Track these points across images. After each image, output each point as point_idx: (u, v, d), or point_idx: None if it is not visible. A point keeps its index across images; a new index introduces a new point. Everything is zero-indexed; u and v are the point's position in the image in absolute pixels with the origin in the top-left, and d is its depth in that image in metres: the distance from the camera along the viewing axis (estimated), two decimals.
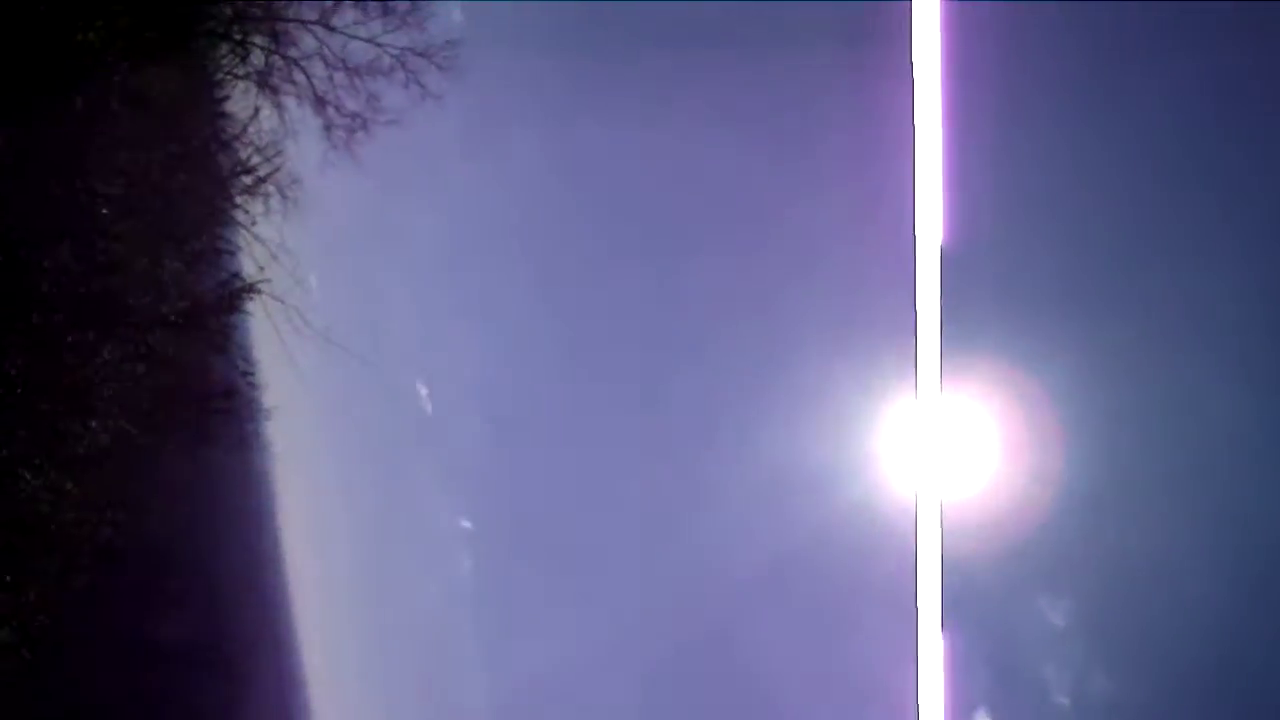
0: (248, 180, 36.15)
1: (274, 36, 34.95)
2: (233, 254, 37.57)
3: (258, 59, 34.87)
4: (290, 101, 35.27)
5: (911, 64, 26.33)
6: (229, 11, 34.56)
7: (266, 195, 36.22)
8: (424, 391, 64.83)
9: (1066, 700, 52.17)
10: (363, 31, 35.28)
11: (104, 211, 28.23)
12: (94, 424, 30.31)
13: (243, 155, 35.53)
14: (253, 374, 41.35)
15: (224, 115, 34.86)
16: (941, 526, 26.60)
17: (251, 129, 35.15)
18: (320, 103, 35.24)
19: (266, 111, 35.15)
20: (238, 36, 34.72)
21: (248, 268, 37.20)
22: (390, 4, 35.27)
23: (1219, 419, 41.22)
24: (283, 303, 36.63)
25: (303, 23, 34.90)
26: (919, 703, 27.80)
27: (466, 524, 70.76)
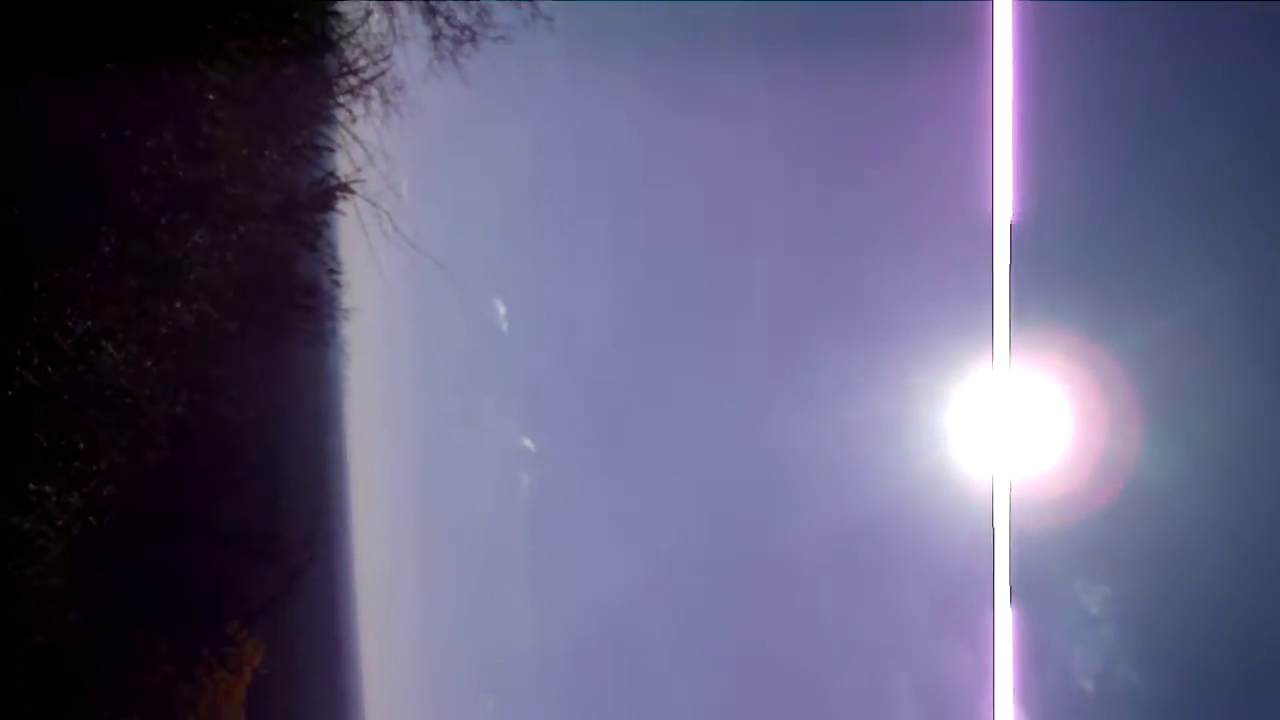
0: (353, 80, 36.19)
1: None
2: (331, 152, 37.76)
3: None
4: (402, 7, 35.18)
5: (989, 53, 26.07)
6: None
7: (369, 98, 36.25)
8: (502, 310, 65.18)
9: (1090, 685, 52.17)
10: None
11: (209, 98, 28.48)
12: (179, 305, 30.84)
13: (350, 56, 35.56)
14: (338, 272, 41.73)
15: (335, 14, 34.88)
16: (1010, 505, 26.37)
17: (361, 31, 35.13)
18: (431, 11, 35.10)
19: (377, 15, 35.10)
20: None
21: (344, 167, 37.37)
22: None
23: None
24: (375, 205, 36.79)
25: None
26: (992, 682, 27.94)
27: (529, 444, 71.41)
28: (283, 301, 39.68)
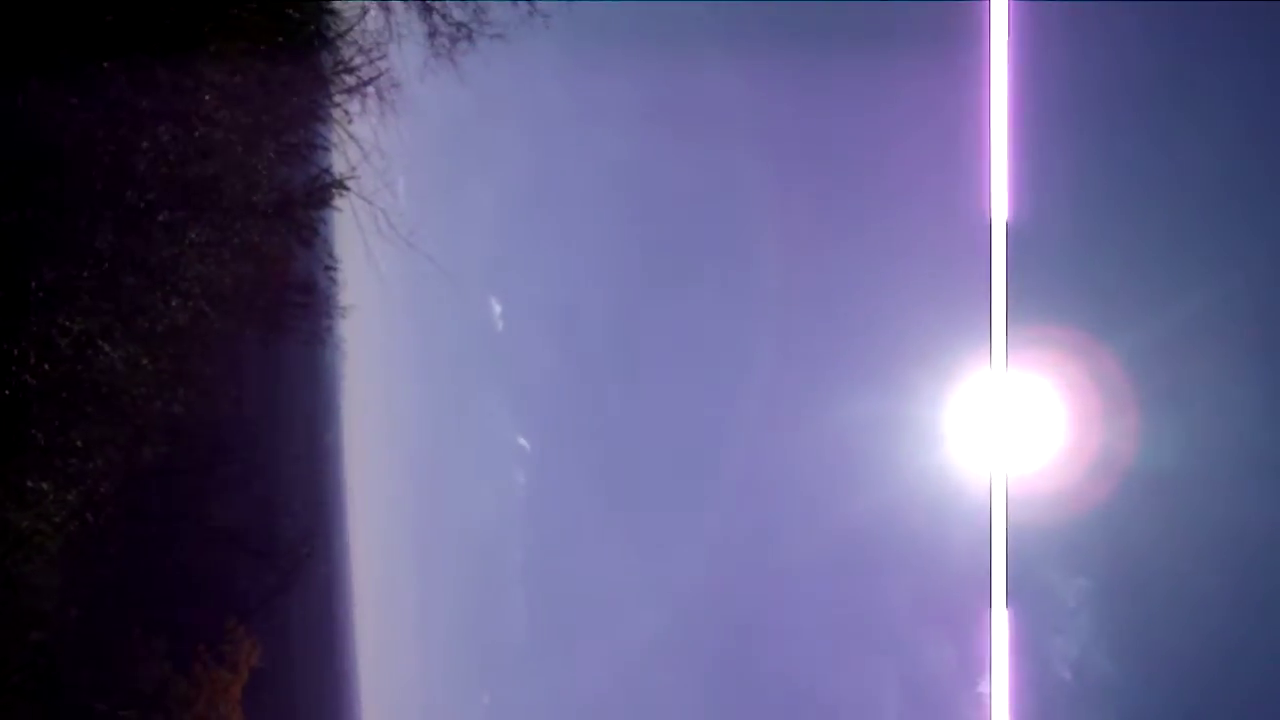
0: (349, 78, 36.18)
1: None
2: (327, 150, 37.71)
3: None
4: (398, 5, 35.19)
5: (985, 53, 26.26)
6: None
7: (365, 95, 36.23)
8: (497, 309, 65.32)
9: (1068, 673, 52.65)
10: None
11: (205, 97, 28.51)
12: (174, 303, 30.86)
13: (346, 54, 35.56)
14: (335, 269, 41.74)
15: (331, 12, 34.90)
16: (1007, 502, 26.47)
17: (357, 29, 35.14)
18: (427, 9, 35.14)
19: (373, 13, 35.12)
20: None
21: (340, 165, 37.34)
22: None
23: None
24: (370, 204, 36.73)
25: None
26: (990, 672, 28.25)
27: (524, 442, 71.56)
28: (279, 299, 39.74)
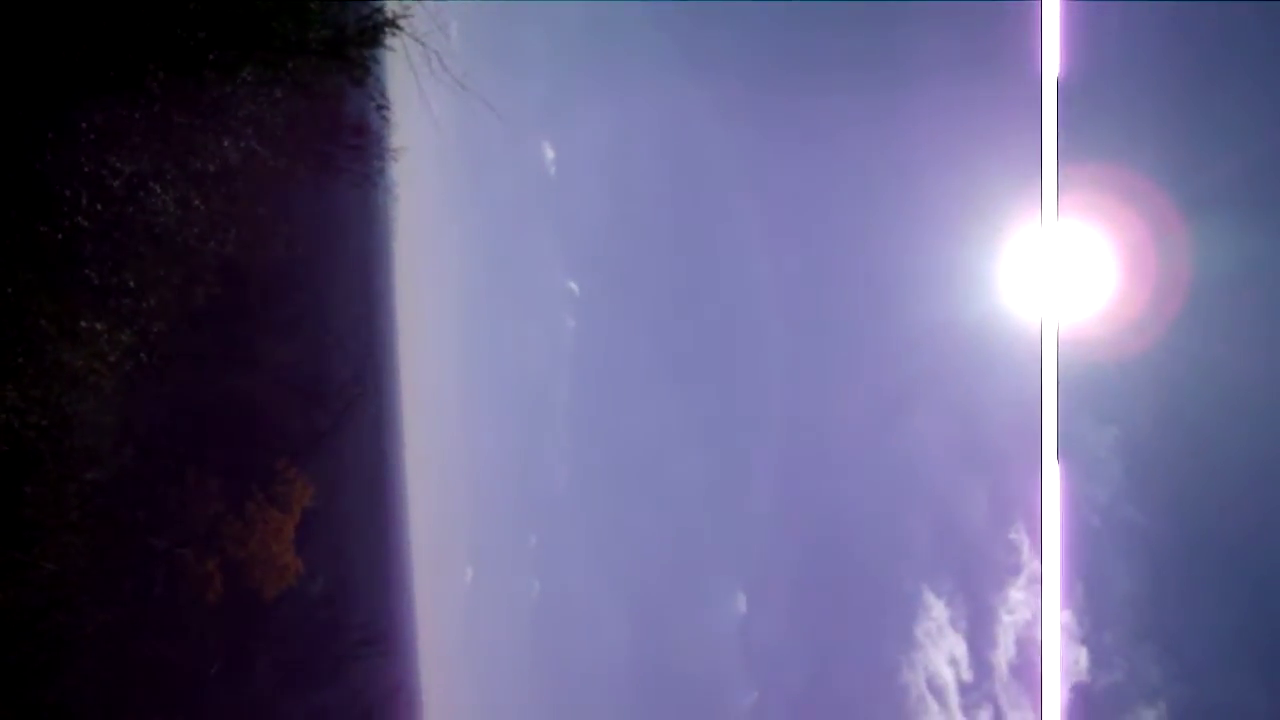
0: None
1: None
2: None
3: None
4: None
5: None
6: None
7: None
8: (550, 154, 64.73)
9: (1098, 520, 53.27)
10: None
11: None
12: (226, 142, 30.65)
13: None
14: (387, 108, 41.32)
15: None
16: (1058, 347, 26.39)
17: None
18: None
19: None
20: None
21: (391, 5, 36.59)
22: None
23: None
24: (423, 44, 36.00)
25: None
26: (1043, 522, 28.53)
27: (574, 286, 71.67)
28: (331, 140, 39.45)
